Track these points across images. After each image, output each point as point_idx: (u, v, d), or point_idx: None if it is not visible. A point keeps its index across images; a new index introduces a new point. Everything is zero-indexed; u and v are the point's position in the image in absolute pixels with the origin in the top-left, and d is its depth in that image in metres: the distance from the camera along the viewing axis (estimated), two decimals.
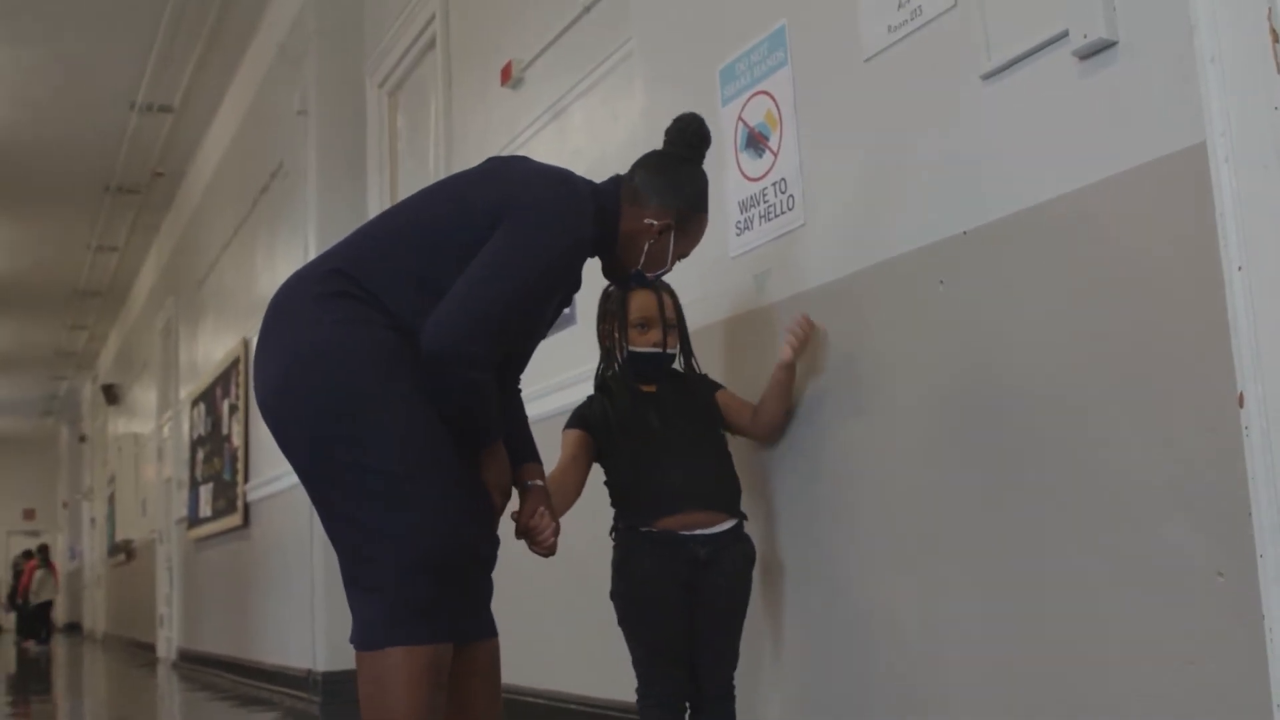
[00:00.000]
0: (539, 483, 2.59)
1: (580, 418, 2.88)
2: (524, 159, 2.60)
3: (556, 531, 2.55)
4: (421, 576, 2.25)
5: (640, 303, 2.85)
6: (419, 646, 2.24)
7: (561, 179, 2.49)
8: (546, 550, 2.54)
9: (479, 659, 2.46)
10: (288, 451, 2.41)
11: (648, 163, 2.63)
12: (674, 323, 2.89)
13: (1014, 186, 2.31)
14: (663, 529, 2.72)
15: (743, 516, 2.82)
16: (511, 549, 2.56)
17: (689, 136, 2.65)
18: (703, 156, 2.68)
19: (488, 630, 2.48)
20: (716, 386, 2.97)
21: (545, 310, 2.50)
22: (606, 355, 2.91)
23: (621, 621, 2.78)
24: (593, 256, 2.60)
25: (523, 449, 2.62)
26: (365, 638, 2.27)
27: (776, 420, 2.90)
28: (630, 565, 2.75)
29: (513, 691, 2.55)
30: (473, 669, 2.45)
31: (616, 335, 2.85)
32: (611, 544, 2.82)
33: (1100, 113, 2.14)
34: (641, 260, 2.59)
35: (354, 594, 2.33)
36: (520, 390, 2.70)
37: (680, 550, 2.71)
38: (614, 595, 2.78)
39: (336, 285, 2.36)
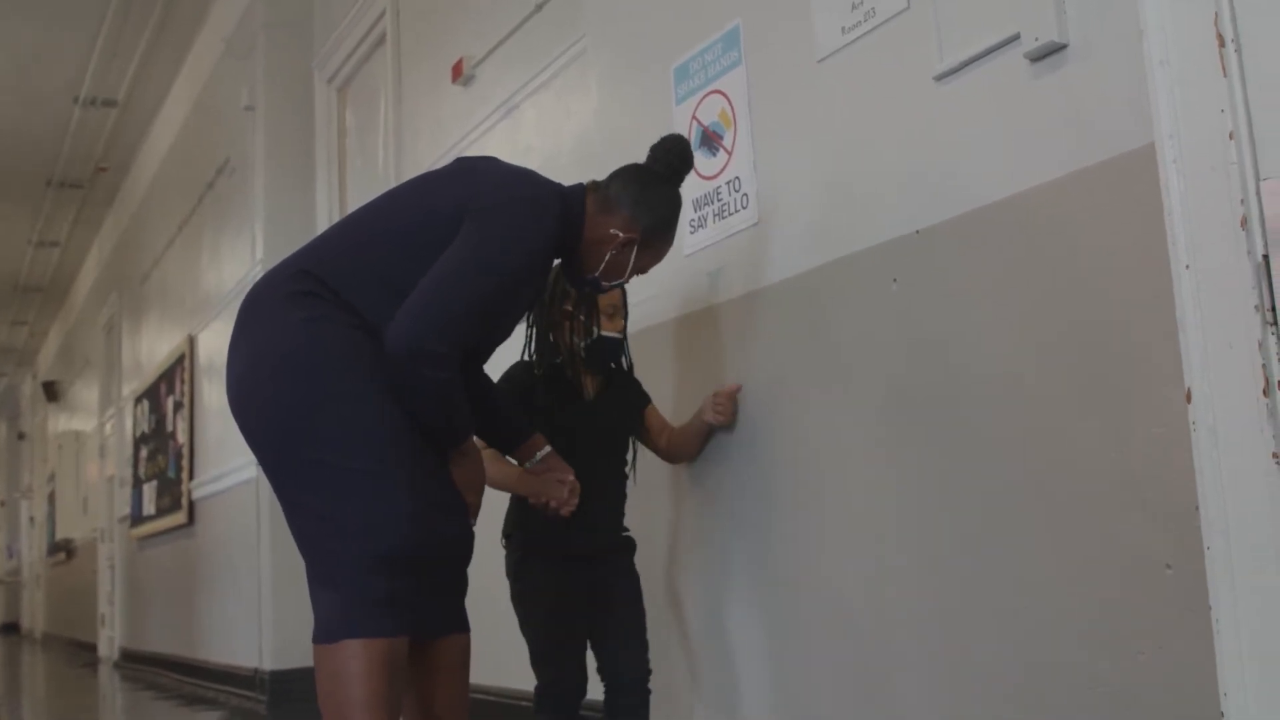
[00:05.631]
0: (551, 449, 2.73)
1: (511, 394, 2.84)
2: (493, 159, 2.60)
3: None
4: (379, 570, 2.27)
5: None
6: (375, 640, 2.25)
7: (528, 180, 2.51)
8: (572, 510, 2.73)
9: (445, 654, 2.46)
10: (254, 447, 2.43)
11: (626, 174, 2.64)
12: (625, 314, 2.95)
13: (966, 186, 2.35)
14: (569, 549, 2.82)
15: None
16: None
17: (672, 158, 2.65)
18: (681, 180, 2.68)
19: (456, 625, 2.48)
20: (646, 400, 3.02)
21: (510, 309, 2.52)
22: (549, 338, 2.87)
23: (524, 622, 2.85)
24: (556, 259, 2.61)
25: (516, 422, 2.70)
26: (322, 630, 2.30)
27: (688, 458, 3.07)
28: (532, 571, 2.83)
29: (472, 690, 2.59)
30: (438, 664, 2.45)
31: (582, 318, 2.84)
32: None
33: (1051, 114, 2.18)
34: (601, 268, 2.60)
35: (314, 589, 2.35)
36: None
37: (581, 560, 2.83)
38: (514, 598, 2.86)
39: (303, 285, 2.39)
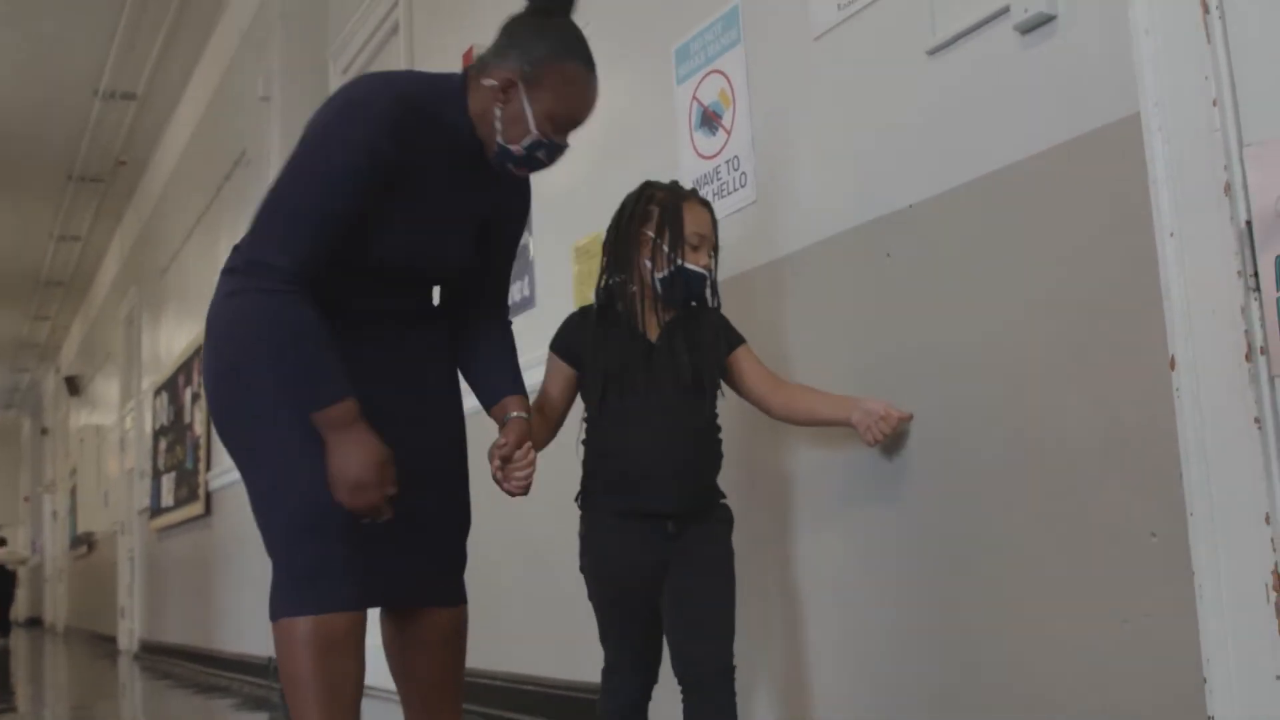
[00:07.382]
0: (521, 414, 2.39)
1: (565, 345, 2.56)
2: (366, 75, 2.38)
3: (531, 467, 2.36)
4: (303, 541, 2.16)
5: (697, 216, 2.49)
6: (308, 617, 2.15)
7: (355, 83, 2.28)
8: (520, 489, 2.35)
9: (431, 628, 2.37)
10: None
11: (499, 30, 2.33)
12: (716, 246, 2.56)
13: (958, 160, 2.35)
14: (630, 508, 2.43)
15: (720, 494, 2.53)
16: (476, 523, 2.50)
17: None
18: (564, 8, 2.31)
19: (443, 598, 2.38)
20: (737, 342, 2.58)
21: (379, 216, 2.23)
22: (622, 266, 2.53)
23: (589, 596, 2.54)
24: (436, 156, 2.30)
25: (502, 381, 2.45)
26: (269, 608, 2.22)
27: (800, 424, 2.63)
28: (595, 536, 2.49)
29: (470, 674, 2.55)
30: (424, 638, 2.37)
31: (665, 248, 2.47)
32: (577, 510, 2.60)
33: (1041, 85, 2.18)
34: (500, 132, 2.26)
35: None
36: (509, 322, 2.55)
37: (649, 523, 2.42)
38: (582, 569, 2.52)
39: (228, 262, 2.29)
